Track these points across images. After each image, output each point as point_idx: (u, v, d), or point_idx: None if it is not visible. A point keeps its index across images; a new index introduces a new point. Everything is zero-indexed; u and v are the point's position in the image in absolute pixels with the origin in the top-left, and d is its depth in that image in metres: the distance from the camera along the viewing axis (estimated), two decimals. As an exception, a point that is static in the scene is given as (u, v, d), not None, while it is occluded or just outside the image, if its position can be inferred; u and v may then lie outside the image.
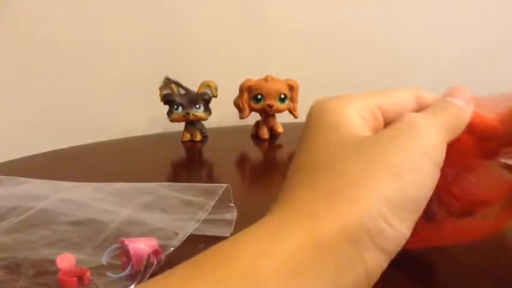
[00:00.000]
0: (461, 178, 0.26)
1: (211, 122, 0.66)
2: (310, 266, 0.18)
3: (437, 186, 0.21)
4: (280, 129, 0.66)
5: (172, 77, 0.63)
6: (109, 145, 0.66)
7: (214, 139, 0.66)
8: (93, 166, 0.57)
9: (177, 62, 0.76)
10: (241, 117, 0.65)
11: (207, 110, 0.63)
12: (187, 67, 0.73)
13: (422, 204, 0.21)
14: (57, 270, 0.30)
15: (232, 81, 0.63)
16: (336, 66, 0.80)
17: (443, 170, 0.22)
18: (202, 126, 0.66)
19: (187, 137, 0.65)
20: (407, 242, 0.20)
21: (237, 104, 0.65)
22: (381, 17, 0.79)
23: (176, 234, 0.33)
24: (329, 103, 0.24)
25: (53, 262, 0.30)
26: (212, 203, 0.37)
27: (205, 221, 0.35)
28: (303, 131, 0.24)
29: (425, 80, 0.78)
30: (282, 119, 0.67)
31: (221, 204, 0.38)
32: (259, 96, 0.63)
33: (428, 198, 0.21)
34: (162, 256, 0.31)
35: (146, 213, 0.37)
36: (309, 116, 0.25)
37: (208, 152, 0.63)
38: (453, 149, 0.23)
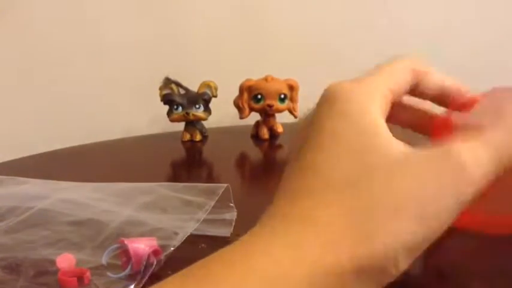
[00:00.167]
0: None
1: (211, 122, 0.66)
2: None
3: None
4: (280, 129, 0.66)
5: (172, 77, 0.63)
6: (109, 145, 0.66)
7: (214, 139, 0.66)
8: (93, 166, 0.57)
9: (177, 62, 0.76)
10: (241, 117, 0.65)
11: (207, 110, 0.63)
12: (187, 67, 0.73)
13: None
14: (57, 270, 0.30)
15: (232, 81, 0.63)
16: (336, 67, 0.80)
17: None
18: (202, 126, 0.66)
19: (187, 137, 0.65)
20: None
21: (237, 104, 0.65)
22: (381, 18, 0.79)
23: (176, 234, 0.34)
24: (355, 95, 0.22)
25: (53, 262, 0.30)
26: (212, 203, 0.37)
27: (205, 221, 0.35)
28: (315, 119, 0.22)
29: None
30: (282, 119, 0.67)
31: (221, 204, 0.38)
32: (259, 96, 0.63)
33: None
34: (162, 256, 0.31)
35: (146, 213, 0.37)
36: (325, 103, 0.22)
37: (208, 152, 0.63)
38: None
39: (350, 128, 0.21)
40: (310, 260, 0.18)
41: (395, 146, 0.20)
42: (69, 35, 0.75)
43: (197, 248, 0.33)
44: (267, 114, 0.65)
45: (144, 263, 0.30)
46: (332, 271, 0.18)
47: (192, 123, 0.65)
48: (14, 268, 0.30)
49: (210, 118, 0.64)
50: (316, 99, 0.23)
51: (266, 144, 0.65)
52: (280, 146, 0.64)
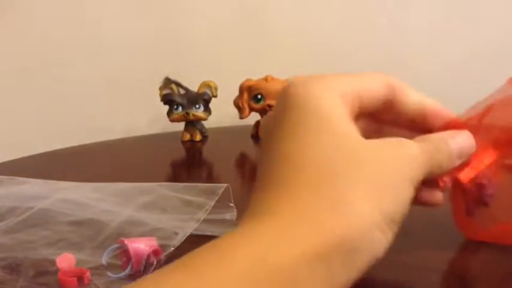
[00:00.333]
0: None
1: (211, 122, 0.66)
2: (307, 277, 0.18)
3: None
4: (280, 129, 0.66)
5: (172, 77, 0.63)
6: (109, 145, 0.66)
7: (214, 139, 0.66)
8: (93, 166, 0.57)
9: (177, 62, 0.76)
10: (241, 117, 0.65)
11: (207, 110, 0.63)
12: (187, 67, 0.73)
13: (403, 217, 0.22)
14: (57, 270, 0.30)
15: (232, 81, 0.63)
16: (336, 67, 0.80)
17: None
18: (202, 126, 0.66)
19: (187, 137, 0.65)
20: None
21: (237, 104, 0.65)
22: (381, 18, 0.79)
23: (176, 234, 0.34)
24: (311, 87, 0.22)
25: (53, 262, 0.30)
26: (212, 203, 0.37)
27: (205, 221, 0.35)
28: (282, 116, 0.22)
29: (426, 82, 0.78)
30: (282, 119, 0.67)
31: (221, 204, 0.38)
32: (259, 96, 0.63)
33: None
34: (162, 256, 0.31)
35: (146, 213, 0.37)
36: (289, 100, 0.23)
37: (208, 152, 0.63)
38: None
39: (321, 127, 0.22)
40: (296, 246, 0.19)
41: (352, 126, 0.22)
42: (69, 34, 0.75)
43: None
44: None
45: (144, 263, 0.30)
46: (318, 252, 0.19)
47: (192, 123, 0.65)
48: (14, 268, 0.30)
49: (210, 118, 0.64)
50: (293, 80, 0.24)
51: (266, 144, 0.65)
52: (280, 146, 0.64)
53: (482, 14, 0.79)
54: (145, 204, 0.39)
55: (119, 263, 0.31)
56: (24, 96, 0.76)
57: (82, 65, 0.76)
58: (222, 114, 0.68)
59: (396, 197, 0.21)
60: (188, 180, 0.51)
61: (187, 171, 0.57)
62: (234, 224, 0.36)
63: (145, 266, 0.30)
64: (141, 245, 0.30)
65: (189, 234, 0.33)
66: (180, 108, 0.63)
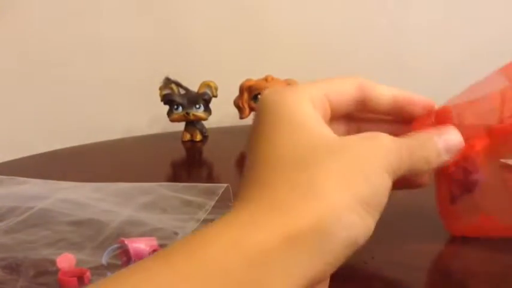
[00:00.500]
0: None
1: (211, 122, 0.66)
2: (281, 260, 0.19)
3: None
4: (280, 129, 0.66)
5: (172, 77, 0.63)
6: (109, 145, 0.66)
7: (214, 139, 0.66)
8: (93, 166, 0.57)
9: (177, 62, 0.76)
10: (241, 117, 0.65)
11: (207, 110, 0.63)
12: (187, 67, 0.73)
13: (384, 204, 0.22)
14: (57, 270, 0.30)
15: (232, 81, 0.63)
16: (336, 67, 0.80)
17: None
18: (202, 126, 0.66)
19: (187, 137, 0.65)
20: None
21: (237, 104, 0.65)
22: (381, 18, 0.79)
23: (176, 234, 0.34)
24: (284, 95, 0.24)
25: (53, 262, 0.30)
26: (212, 203, 0.37)
27: (205, 221, 0.35)
28: (260, 122, 0.24)
29: (426, 82, 0.78)
30: (282, 119, 0.67)
31: (221, 204, 0.38)
32: (259, 96, 0.63)
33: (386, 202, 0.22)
34: (162, 256, 0.31)
35: (146, 213, 0.37)
36: (265, 107, 0.24)
37: (208, 152, 0.63)
38: None
39: (294, 127, 0.23)
40: (268, 231, 0.19)
41: (324, 126, 0.24)
42: (69, 34, 0.75)
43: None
44: (267, 114, 0.65)
45: (144, 263, 0.30)
46: (292, 235, 0.19)
47: (192, 123, 0.65)
48: (14, 268, 0.30)
49: (210, 118, 0.64)
50: (266, 92, 0.25)
51: (266, 144, 0.65)
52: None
53: (482, 14, 0.79)
54: (145, 204, 0.39)
55: (119, 263, 0.31)
56: (24, 96, 0.76)
57: (82, 65, 0.76)
58: (222, 114, 0.68)
59: (369, 183, 0.22)
60: (188, 180, 0.51)
61: (187, 171, 0.57)
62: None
63: (145, 266, 0.30)
64: (141, 245, 0.30)
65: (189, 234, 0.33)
66: (180, 108, 0.63)
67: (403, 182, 0.24)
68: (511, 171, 0.28)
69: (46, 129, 0.76)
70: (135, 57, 0.77)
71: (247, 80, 0.63)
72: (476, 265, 0.30)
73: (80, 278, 0.29)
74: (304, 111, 0.24)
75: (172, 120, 0.64)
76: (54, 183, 0.45)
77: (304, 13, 0.79)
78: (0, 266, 0.31)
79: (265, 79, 0.63)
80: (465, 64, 0.78)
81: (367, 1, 0.79)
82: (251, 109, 0.64)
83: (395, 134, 0.24)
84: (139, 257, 0.30)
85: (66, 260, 0.30)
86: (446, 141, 0.25)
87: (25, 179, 0.46)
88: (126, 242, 0.30)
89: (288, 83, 0.63)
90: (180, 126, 0.66)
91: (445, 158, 0.25)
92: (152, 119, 0.78)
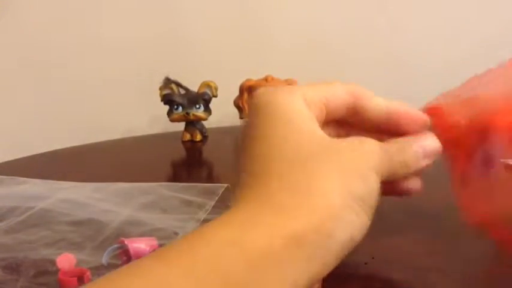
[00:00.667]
0: None
1: (211, 122, 0.66)
2: (280, 261, 0.19)
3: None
4: (280, 129, 0.66)
5: (172, 77, 0.63)
6: (109, 145, 0.66)
7: (214, 139, 0.66)
8: (93, 166, 0.57)
9: (177, 62, 0.76)
10: (241, 117, 0.65)
11: (207, 110, 0.63)
12: (187, 67, 0.73)
13: (376, 203, 0.23)
14: (57, 270, 0.30)
15: (232, 81, 0.63)
16: (336, 67, 0.80)
17: None
18: (202, 126, 0.66)
19: (187, 137, 0.65)
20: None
21: (237, 104, 0.65)
22: (381, 18, 0.79)
23: (176, 234, 0.34)
24: (278, 95, 0.24)
25: (53, 262, 0.30)
26: (212, 203, 0.38)
27: (205, 221, 0.35)
28: (254, 121, 0.24)
29: (426, 82, 0.78)
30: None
31: (221, 204, 0.38)
32: (259, 96, 0.63)
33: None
34: (162, 256, 0.31)
35: (146, 213, 0.37)
36: (259, 107, 0.25)
37: (208, 152, 0.63)
38: None
39: (289, 127, 0.23)
40: (265, 230, 0.19)
41: (318, 127, 0.24)
42: (69, 35, 0.75)
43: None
44: (267, 114, 0.65)
45: (144, 263, 0.30)
46: (291, 235, 0.19)
47: (192, 123, 0.65)
48: (14, 268, 0.30)
49: (210, 118, 0.64)
50: (260, 90, 0.26)
51: (266, 144, 0.65)
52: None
53: (481, 13, 0.79)
54: (145, 204, 0.39)
55: (119, 263, 0.31)
56: (24, 97, 0.76)
57: (82, 65, 0.76)
58: (222, 114, 0.68)
59: (363, 181, 0.22)
60: (188, 180, 0.51)
61: (187, 171, 0.57)
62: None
63: (145, 266, 0.30)
64: (141, 245, 0.30)
65: (189, 234, 0.33)
66: (180, 108, 0.63)
67: (388, 187, 0.25)
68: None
69: (46, 129, 0.76)
70: (135, 57, 0.77)
71: (247, 80, 0.63)
72: (477, 265, 0.30)
73: (80, 278, 0.29)
74: (299, 112, 0.24)
75: (172, 120, 0.64)
76: (54, 183, 0.45)
77: (304, 13, 0.79)
78: (0, 266, 0.31)
79: (265, 79, 0.63)
80: (465, 64, 0.78)
81: (367, 1, 0.79)
82: (251, 109, 0.64)
83: None
84: (139, 257, 0.30)
85: (66, 260, 0.30)
86: (423, 147, 0.26)
87: (25, 179, 0.46)
88: (126, 242, 0.30)
89: (288, 83, 0.63)
90: (180, 126, 0.66)
91: (424, 163, 0.26)
92: (152, 119, 0.78)
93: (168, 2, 0.76)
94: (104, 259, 0.30)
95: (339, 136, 0.27)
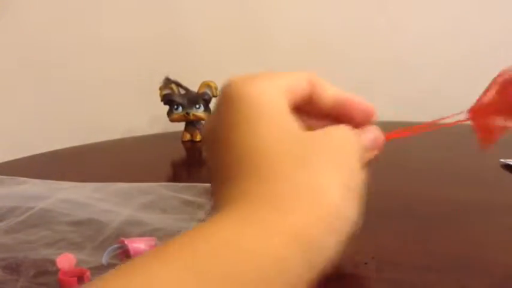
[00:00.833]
0: None
1: (211, 122, 0.66)
2: (280, 258, 0.18)
3: None
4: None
5: (172, 77, 0.63)
6: (109, 145, 0.66)
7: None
8: (93, 166, 0.57)
9: (177, 62, 0.76)
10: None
11: (207, 110, 0.63)
12: (187, 67, 0.73)
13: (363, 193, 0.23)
14: (57, 270, 0.30)
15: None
16: (336, 67, 0.80)
17: None
18: (202, 126, 0.66)
19: (187, 137, 0.65)
20: None
21: (237, 104, 0.65)
22: (381, 18, 0.79)
23: (176, 234, 0.33)
24: (256, 85, 0.24)
25: (53, 262, 0.30)
26: (212, 203, 0.37)
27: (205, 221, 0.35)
28: (232, 111, 0.23)
29: (426, 81, 0.78)
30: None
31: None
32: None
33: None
34: (162, 256, 0.31)
35: (146, 213, 0.37)
36: (236, 96, 0.24)
37: (208, 152, 0.63)
38: None
39: (272, 120, 0.23)
40: (275, 230, 0.19)
41: (293, 118, 0.24)
42: (69, 35, 0.75)
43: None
44: (267, 114, 0.65)
45: (144, 263, 0.30)
46: (300, 233, 0.19)
47: (192, 123, 0.65)
48: (14, 268, 0.30)
49: (210, 118, 0.64)
50: (231, 80, 0.25)
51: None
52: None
53: (481, 13, 0.79)
54: (145, 204, 0.39)
55: (119, 263, 0.31)
56: (24, 97, 0.76)
57: (82, 65, 0.76)
58: (222, 114, 0.67)
59: (356, 174, 0.23)
60: (188, 180, 0.51)
61: (187, 171, 0.57)
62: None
63: (145, 266, 0.30)
64: (141, 245, 0.30)
65: (189, 234, 0.33)
66: (180, 108, 0.63)
67: None
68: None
69: (46, 129, 0.76)
70: (135, 57, 0.77)
71: (247, 80, 0.63)
72: (477, 265, 0.30)
73: (80, 278, 0.29)
74: (281, 103, 0.24)
75: (172, 120, 0.64)
76: (54, 183, 0.45)
77: (304, 13, 0.79)
78: (1, 266, 0.31)
79: (265, 79, 0.63)
80: (464, 64, 0.78)
81: (367, 1, 0.79)
82: (251, 109, 0.64)
83: None
84: (139, 257, 0.30)
85: (66, 260, 0.30)
86: (367, 138, 0.26)
87: (25, 179, 0.46)
88: (126, 242, 0.30)
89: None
90: (180, 126, 0.66)
91: (372, 154, 0.26)
92: (152, 119, 0.78)
93: (168, 2, 0.76)
94: (104, 259, 0.30)
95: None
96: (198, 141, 0.65)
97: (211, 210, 0.23)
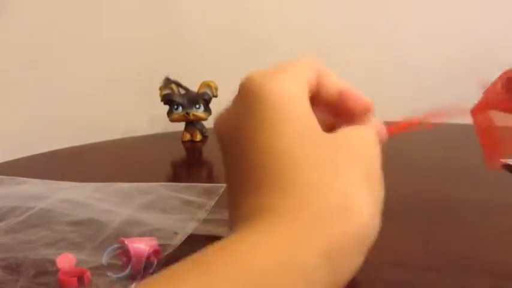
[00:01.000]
0: None
1: (211, 122, 0.66)
2: (321, 276, 0.19)
3: None
4: (280, 129, 0.66)
5: (172, 77, 0.63)
6: (109, 145, 0.66)
7: (214, 139, 0.66)
8: (93, 166, 0.57)
9: (177, 62, 0.76)
10: (241, 117, 0.65)
11: (207, 110, 0.63)
12: (187, 67, 0.73)
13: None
14: (57, 270, 0.30)
15: (232, 81, 0.63)
16: (336, 67, 0.80)
17: None
18: (202, 126, 0.66)
19: (187, 137, 0.65)
20: None
21: (237, 104, 0.65)
22: (381, 18, 0.79)
23: (176, 234, 0.34)
24: (279, 82, 0.23)
25: (53, 262, 0.30)
26: (212, 203, 0.37)
27: (206, 221, 0.35)
28: (254, 110, 0.22)
29: (426, 81, 0.78)
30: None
31: (221, 204, 0.38)
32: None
33: None
34: (162, 256, 0.31)
35: (146, 213, 0.37)
36: (256, 93, 0.23)
37: (208, 152, 0.63)
38: None
39: (297, 123, 0.22)
40: (313, 248, 0.19)
41: (318, 127, 0.23)
42: (69, 34, 0.75)
43: (197, 248, 0.33)
44: (267, 114, 0.65)
45: (144, 263, 0.30)
46: (331, 248, 0.19)
47: (192, 123, 0.65)
48: (14, 268, 0.30)
49: (210, 118, 0.64)
50: (251, 76, 0.24)
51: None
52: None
53: (481, 14, 0.79)
54: (145, 204, 0.39)
55: (119, 263, 0.31)
56: (24, 97, 0.76)
57: (82, 65, 0.76)
58: (222, 114, 0.68)
59: (380, 184, 0.22)
60: (188, 180, 0.51)
61: (187, 171, 0.57)
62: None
63: (145, 266, 0.30)
64: (141, 245, 0.30)
65: (189, 234, 0.33)
66: (180, 108, 0.63)
67: None
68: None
69: (46, 129, 0.76)
70: (135, 57, 0.77)
71: (248, 80, 0.63)
72: (477, 265, 0.30)
73: (80, 278, 0.29)
74: (304, 102, 0.22)
75: (172, 120, 0.64)
76: (54, 183, 0.45)
77: (304, 13, 0.79)
78: (1, 266, 0.31)
79: (265, 79, 0.63)
80: (464, 64, 0.78)
81: (367, 1, 0.79)
82: (251, 109, 0.64)
83: (334, 126, 0.24)
84: (140, 257, 0.30)
85: (66, 260, 0.30)
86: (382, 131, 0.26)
87: (25, 179, 0.46)
88: (126, 242, 0.30)
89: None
90: (180, 126, 0.66)
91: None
92: (152, 119, 0.78)
93: (168, 2, 0.76)
94: (104, 259, 0.30)
95: None
96: (198, 141, 0.65)
97: (234, 215, 0.22)
